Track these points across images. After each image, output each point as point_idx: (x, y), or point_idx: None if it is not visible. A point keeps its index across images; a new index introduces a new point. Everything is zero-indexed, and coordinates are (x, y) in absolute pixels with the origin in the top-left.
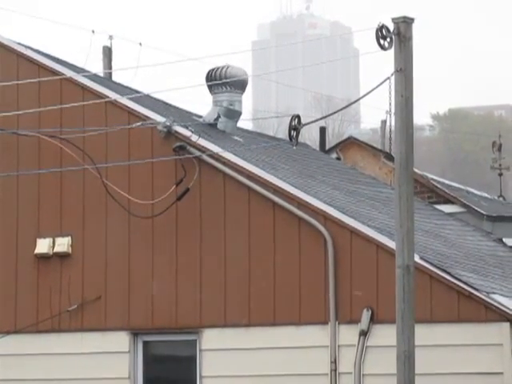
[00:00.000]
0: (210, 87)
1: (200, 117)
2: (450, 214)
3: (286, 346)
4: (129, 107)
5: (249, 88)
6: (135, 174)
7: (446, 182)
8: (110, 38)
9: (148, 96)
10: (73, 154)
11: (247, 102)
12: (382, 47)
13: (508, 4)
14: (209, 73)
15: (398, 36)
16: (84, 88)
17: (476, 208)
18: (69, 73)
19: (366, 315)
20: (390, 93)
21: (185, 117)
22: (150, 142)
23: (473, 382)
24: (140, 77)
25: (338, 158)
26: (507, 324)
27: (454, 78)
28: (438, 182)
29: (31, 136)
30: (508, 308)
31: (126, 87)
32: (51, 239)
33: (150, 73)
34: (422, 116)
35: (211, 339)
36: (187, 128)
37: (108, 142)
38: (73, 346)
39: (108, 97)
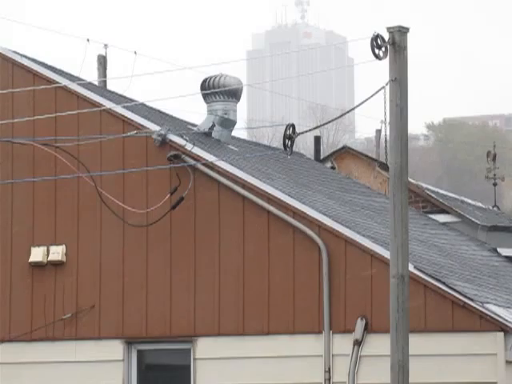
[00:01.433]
0: (204, 96)
1: (195, 126)
2: (445, 224)
3: (280, 355)
4: (123, 116)
5: (243, 97)
6: (130, 183)
7: (441, 191)
8: (105, 46)
9: (143, 105)
10: (67, 163)
11: (242, 111)
12: (377, 57)
13: (503, 16)
14: (204, 82)
15: (392, 45)
16: (79, 96)
17: (471, 218)
18: (64, 81)
19: (360, 325)
20: (384, 102)
21: (179, 126)
22: (145, 151)
23: None
24: (135, 86)
25: (333, 168)
26: (501, 334)
27: (449, 87)
28: (433, 192)
29: (26, 144)
30: (502, 318)
31: (121, 96)
32: (45, 247)
33: (144, 82)
34: (416, 125)
35: (205, 348)
36: (182, 137)
37: (102, 151)
38: (67, 354)
39: (103, 105)
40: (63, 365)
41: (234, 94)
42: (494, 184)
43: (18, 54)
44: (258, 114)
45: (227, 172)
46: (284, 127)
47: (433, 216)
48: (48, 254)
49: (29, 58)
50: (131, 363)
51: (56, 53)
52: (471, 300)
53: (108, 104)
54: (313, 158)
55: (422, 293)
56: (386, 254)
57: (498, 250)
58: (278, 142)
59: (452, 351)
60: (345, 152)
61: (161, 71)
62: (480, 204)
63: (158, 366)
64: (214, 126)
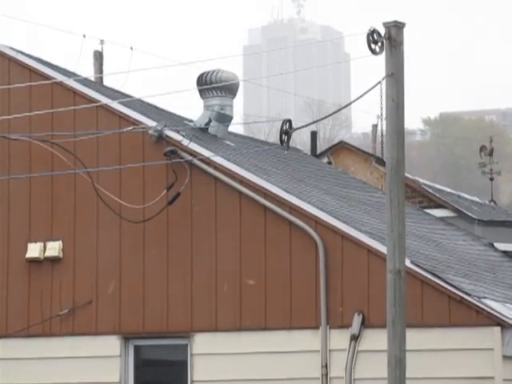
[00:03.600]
0: (201, 92)
1: (191, 121)
2: (442, 219)
3: (277, 350)
4: (120, 111)
5: (240, 92)
6: (126, 179)
7: (438, 186)
8: (101, 42)
9: (139, 100)
10: (64, 159)
11: (238, 106)
12: (373, 52)
13: (500, 13)
14: (200, 77)
15: (389, 40)
16: (75, 92)
17: (467, 212)
18: (60, 77)
19: (357, 320)
20: (381, 97)
21: (176, 121)
22: (141, 147)
23: None
24: (131, 81)
25: (329, 163)
26: (498, 328)
27: (445, 82)
28: (430, 187)
29: (22, 140)
30: (499, 313)
31: (117, 91)
32: (42, 243)
33: (141, 77)
34: (413, 121)
35: (202, 344)
36: (178, 132)
37: (99, 147)
38: (64, 350)
39: (99, 101)
40: (60, 361)
41: (230, 90)
42: (491, 179)
43: (14, 49)
44: (255, 109)
45: (224, 167)
46: (280, 122)
47: (429, 211)
48: (45, 250)
49: (25, 54)
50: (128, 359)
51: (52, 49)
52: (468, 295)
53: (104, 100)
54: (309, 153)
55: (419, 288)
56: (383, 249)
57: (495, 244)
58: (274, 138)
59: (449, 346)
60: (341, 147)
61: (157, 67)
62: (477, 199)
63: (155, 361)
64: (210, 121)
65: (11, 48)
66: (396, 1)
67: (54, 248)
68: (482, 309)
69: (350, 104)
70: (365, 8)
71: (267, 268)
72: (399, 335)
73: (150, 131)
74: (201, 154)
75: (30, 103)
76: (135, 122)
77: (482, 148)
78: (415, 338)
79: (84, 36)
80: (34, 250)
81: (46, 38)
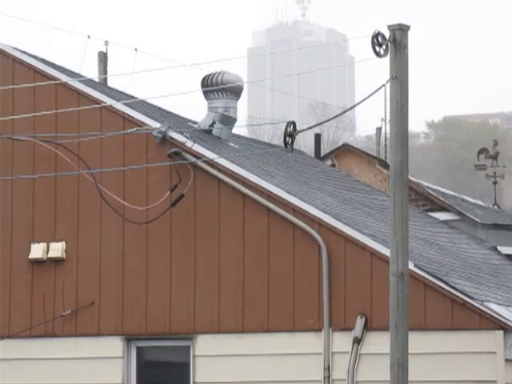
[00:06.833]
0: (205, 93)
1: (195, 123)
2: (445, 222)
3: (279, 352)
4: (124, 113)
5: (244, 94)
6: (130, 180)
7: (441, 189)
8: (106, 43)
9: (143, 102)
10: (67, 159)
11: (242, 108)
12: (378, 54)
13: (505, 16)
14: (204, 79)
15: (393, 43)
16: (79, 93)
17: (471, 216)
18: (64, 78)
19: (359, 322)
20: (385, 100)
21: (180, 123)
22: (145, 148)
23: None
24: (135, 82)
25: (333, 165)
26: (501, 332)
27: (450, 85)
28: (433, 190)
29: (26, 141)
30: (502, 316)
31: (122, 93)
32: (45, 244)
33: (145, 79)
34: (417, 123)
35: (205, 345)
36: (182, 134)
37: (103, 148)
38: (66, 351)
39: (103, 102)
40: (63, 361)
41: (234, 92)
42: (495, 182)
43: (18, 50)
44: (259, 111)
45: (227, 169)
46: (284, 125)
47: (433, 214)
48: (48, 251)
49: (29, 55)
50: (131, 360)
51: (57, 49)
52: (471, 298)
53: (108, 101)
54: (313, 155)
55: (422, 291)
56: (386, 251)
57: (498, 248)
58: (278, 140)
59: (451, 349)
60: (345, 150)
61: (161, 68)
62: (480, 202)
63: (157, 363)
64: (214, 123)
65: (15, 48)
66: (401, 4)
67: (57, 249)
68: (485, 312)
69: (354, 106)
70: (369, 11)
71: (270, 270)
72: (402, 338)
73: (154, 132)
74: (204, 156)
75: (34, 104)
76: (139, 124)
77: (482, 150)
78: (418, 341)
79: (88, 37)
80: (37, 251)
81: (50, 39)
